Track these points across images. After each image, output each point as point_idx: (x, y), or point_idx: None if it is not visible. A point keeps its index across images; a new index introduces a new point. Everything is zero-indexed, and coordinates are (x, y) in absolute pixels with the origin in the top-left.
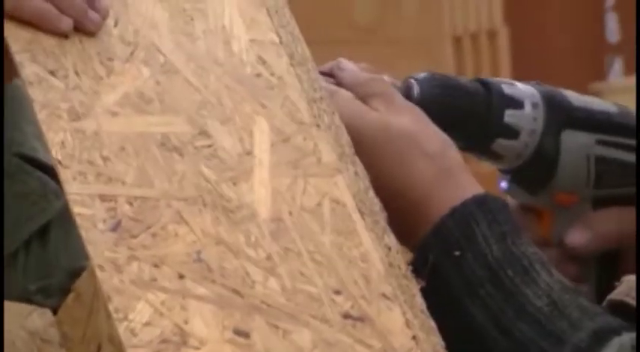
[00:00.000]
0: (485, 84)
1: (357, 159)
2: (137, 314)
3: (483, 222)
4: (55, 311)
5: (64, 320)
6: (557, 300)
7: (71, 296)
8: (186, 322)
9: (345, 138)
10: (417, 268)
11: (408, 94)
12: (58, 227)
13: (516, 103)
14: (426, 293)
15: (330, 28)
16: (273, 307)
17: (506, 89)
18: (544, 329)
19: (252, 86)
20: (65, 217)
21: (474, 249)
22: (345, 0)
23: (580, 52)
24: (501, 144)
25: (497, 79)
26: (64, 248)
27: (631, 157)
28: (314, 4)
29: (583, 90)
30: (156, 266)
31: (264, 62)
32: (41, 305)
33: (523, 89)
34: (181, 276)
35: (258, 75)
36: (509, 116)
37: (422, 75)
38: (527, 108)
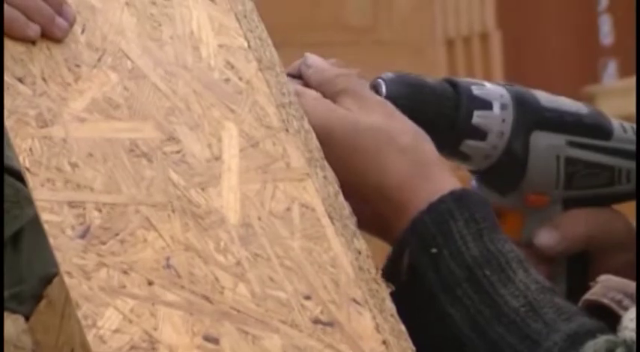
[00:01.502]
0: (454, 84)
1: (326, 164)
2: (106, 320)
3: (460, 218)
4: (27, 318)
5: (36, 327)
6: (532, 301)
7: (43, 302)
8: (155, 328)
9: (314, 143)
10: (395, 264)
11: (375, 92)
12: (30, 233)
13: (485, 104)
14: (404, 288)
15: (322, 31)
16: (242, 313)
17: (475, 90)
18: (520, 331)
19: (221, 91)
20: (37, 224)
21: (450, 246)
22: (337, 2)
23: (573, 55)
24: (469, 145)
25: (467, 79)
26: (37, 254)
27: (600, 158)
28: (306, 7)
29: (577, 93)
30: (125, 272)
31: (232, 67)
32: (14, 311)
33: (492, 90)
34: (150, 283)
35: (227, 80)
36: (478, 117)
37: (389, 75)
38: (496, 109)
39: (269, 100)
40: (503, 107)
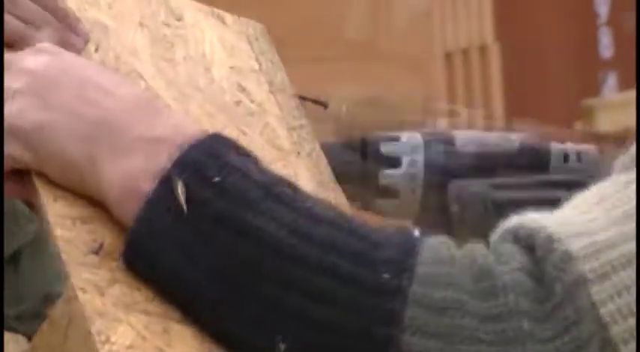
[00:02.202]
0: (365, 144)
1: (337, 187)
2: (119, 337)
3: (230, 151)
4: (28, 337)
5: (38, 347)
6: (343, 214)
7: (46, 322)
8: (168, 345)
9: (325, 166)
10: (160, 201)
11: None
12: (29, 253)
13: (393, 162)
14: (179, 222)
15: (321, 45)
16: None
17: (384, 147)
18: (351, 231)
19: (233, 113)
20: (37, 241)
21: (234, 172)
22: (335, 16)
23: (573, 68)
24: (383, 204)
25: (381, 134)
26: (36, 273)
27: (532, 194)
28: (305, 21)
29: (576, 106)
30: (138, 289)
31: (244, 89)
32: (15, 330)
33: (404, 144)
34: (163, 299)
35: (238, 102)
36: (386, 176)
37: None
38: (404, 166)
39: (280, 123)
40: (411, 164)
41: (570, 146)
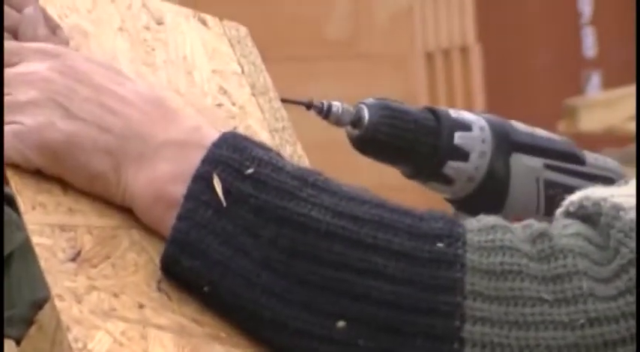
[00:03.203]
0: (432, 110)
1: None
2: (97, 343)
3: (254, 146)
4: (17, 342)
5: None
6: (378, 196)
7: (34, 327)
8: (146, 351)
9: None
10: (198, 198)
11: (358, 118)
12: (19, 258)
13: (464, 126)
14: (220, 217)
15: (302, 45)
16: (232, 335)
17: (453, 113)
18: (393, 209)
19: (214, 116)
20: (26, 248)
21: (265, 165)
22: (317, 16)
23: (556, 67)
24: (452, 166)
25: (443, 107)
26: (26, 278)
27: (577, 182)
28: (286, 21)
29: (559, 105)
30: (115, 295)
31: (225, 92)
32: (5, 335)
33: (468, 114)
34: (141, 306)
35: (220, 105)
36: (459, 138)
37: (371, 100)
38: (476, 130)
39: (262, 125)
40: (481, 129)
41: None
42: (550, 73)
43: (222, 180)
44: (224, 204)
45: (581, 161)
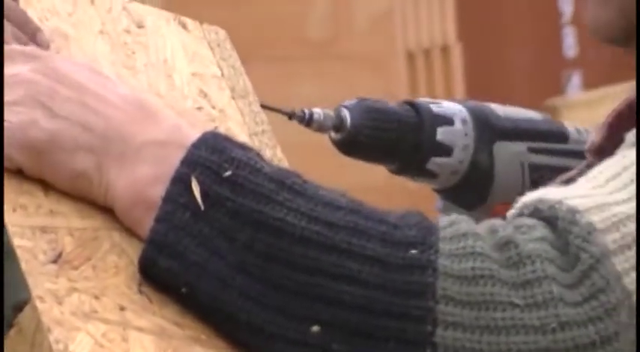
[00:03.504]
0: (413, 105)
1: None
2: (77, 345)
3: (234, 147)
4: None
5: None
6: (358, 201)
7: (13, 330)
8: None
9: None
10: (177, 200)
11: (340, 122)
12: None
13: (446, 120)
14: (197, 219)
15: (282, 45)
16: (213, 338)
17: (435, 108)
18: (367, 215)
19: (194, 119)
20: (7, 251)
21: (243, 166)
22: (297, 16)
23: (536, 67)
24: (436, 162)
25: (424, 99)
26: (7, 281)
27: (561, 161)
28: (266, 21)
29: (540, 105)
30: (96, 297)
31: (205, 95)
32: None
33: (450, 106)
34: (122, 308)
35: (200, 108)
36: (442, 133)
37: (352, 102)
38: (458, 124)
39: (242, 129)
40: (463, 122)
41: (572, 124)
42: (531, 72)
43: (201, 183)
44: (202, 207)
45: (564, 137)
